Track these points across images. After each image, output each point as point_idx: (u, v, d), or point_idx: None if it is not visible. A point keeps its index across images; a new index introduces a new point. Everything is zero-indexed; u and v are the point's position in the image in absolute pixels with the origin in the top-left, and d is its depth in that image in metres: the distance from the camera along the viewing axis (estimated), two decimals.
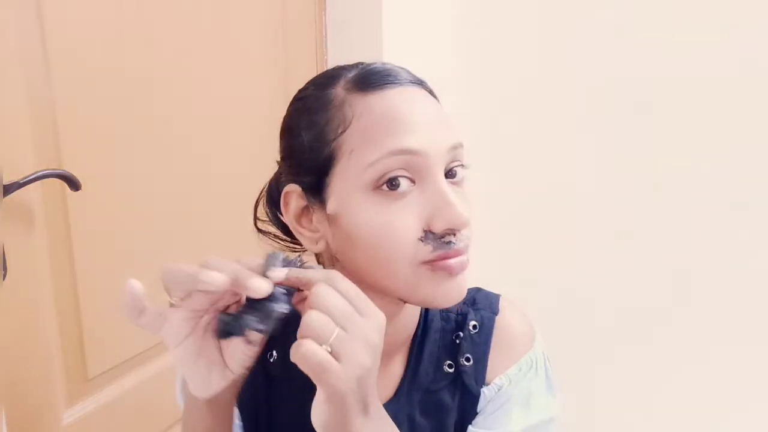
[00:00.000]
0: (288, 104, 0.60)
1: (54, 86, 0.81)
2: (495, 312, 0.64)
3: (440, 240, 0.52)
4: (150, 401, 1.00)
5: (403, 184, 0.52)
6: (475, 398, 0.62)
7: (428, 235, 0.52)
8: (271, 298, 0.47)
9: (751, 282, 1.29)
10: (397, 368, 0.63)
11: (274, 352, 0.64)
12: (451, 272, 0.53)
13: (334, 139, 0.53)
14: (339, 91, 0.55)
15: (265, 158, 0.68)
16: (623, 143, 1.33)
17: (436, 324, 0.64)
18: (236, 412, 0.66)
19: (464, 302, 0.65)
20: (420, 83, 0.57)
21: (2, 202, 0.74)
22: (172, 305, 0.49)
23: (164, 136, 0.98)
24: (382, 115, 0.52)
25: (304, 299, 0.48)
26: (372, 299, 0.50)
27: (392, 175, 0.52)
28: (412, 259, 0.52)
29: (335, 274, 0.48)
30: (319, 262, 0.63)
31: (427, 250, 0.52)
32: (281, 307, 0.47)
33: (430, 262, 0.53)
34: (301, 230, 0.58)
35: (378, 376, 0.51)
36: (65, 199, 0.84)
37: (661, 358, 1.39)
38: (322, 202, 0.55)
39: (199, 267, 0.46)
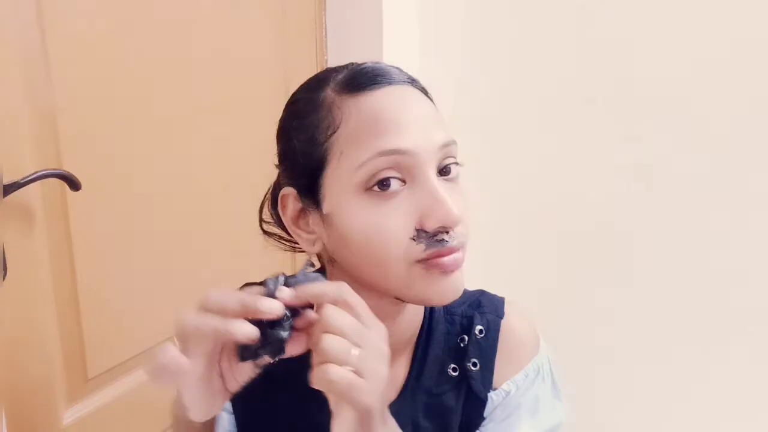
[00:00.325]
0: None
1: (54, 86, 0.81)
2: (500, 316, 0.64)
3: (433, 238, 0.52)
4: (150, 401, 1.00)
5: (394, 184, 0.52)
6: (482, 403, 0.62)
7: (420, 233, 0.52)
8: (275, 323, 0.47)
9: (752, 282, 1.29)
10: (400, 370, 0.63)
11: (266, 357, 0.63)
12: (444, 270, 0.53)
13: (325, 141, 0.53)
14: (328, 93, 0.55)
15: (265, 159, 0.68)
16: (624, 143, 1.33)
17: (441, 326, 0.64)
18: (230, 418, 0.67)
19: (469, 305, 0.65)
20: (411, 81, 0.57)
21: (2, 202, 0.74)
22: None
23: (164, 137, 0.98)
24: (370, 115, 0.52)
25: (308, 324, 0.49)
26: (370, 299, 0.50)
27: (382, 175, 0.52)
28: (405, 259, 0.52)
29: (343, 290, 0.48)
30: (320, 262, 0.63)
31: (419, 249, 0.52)
32: (285, 332, 0.48)
33: (423, 261, 0.53)
34: (299, 232, 0.58)
35: None
36: (65, 199, 0.84)
37: (662, 358, 1.39)
38: (316, 204, 0.55)
39: (218, 318, 0.46)
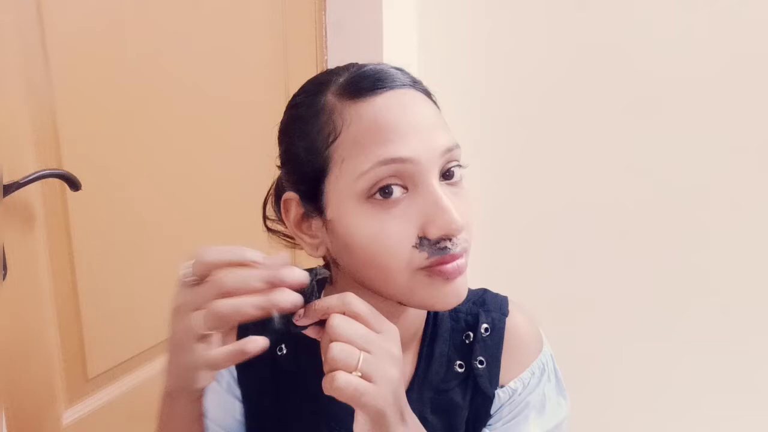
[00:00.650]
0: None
1: (54, 86, 0.81)
2: (505, 314, 0.64)
3: (435, 246, 0.52)
4: (150, 401, 1.00)
5: (396, 191, 0.52)
6: (488, 399, 0.63)
7: (423, 241, 0.52)
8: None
9: (753, 283, 1.29)
10: (407, 367, 0.64)
11: (284, 347, 0.64)
12: (447, 277, 0.53)
13: (326, 149, 0.53)
14: (329, 98, 0.54)
15: (265, 159, 0.68)
16: (625, 144, 1.33)
17: (446, 323, 0.64)
18: (240, 407, 0.67)
19: (473, 303, 0.65)
20: (413, 84, 0.56)
21: (2, 202, 0.74)
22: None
23: (164, 137, 0.98)
24: (371, 123, 0.52)
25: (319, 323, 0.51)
26: (374, 301, 0.51)
27: (384, 183, 0.52)
28: (408, 266, 0.52)
29: (348, 299, 0.49)
30: (325, 263, 0.64)
31: (422, 257, 0.52)
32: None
33: (426, 268, 0.53)
34: (302, 236, 0.58)
35: None
36: (65, 199, 0.84)
37: (664, 360, 1.39)
38: (319, 209, 0.55)
39: (255, 296, 0.47)
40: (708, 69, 1.24)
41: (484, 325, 0.63)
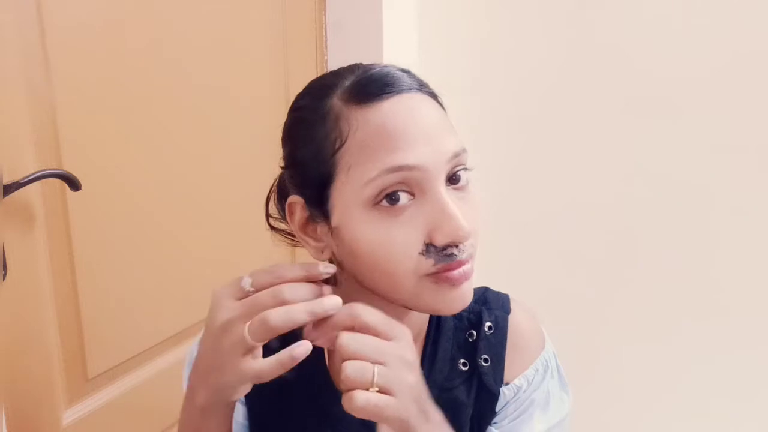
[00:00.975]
0: (288, 106, 0.60)
1: (54, 86, 0.81)
2: (507, 312, 0.64)
3: (442, 253, 0.52)
4: (150, 401, 1.00)
5: (403, 198, 0.52)
6: (493, 397, 0.63)
7: (429, 248, 0.52)
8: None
9: (755, 283, 1.29)
10: None
11: None
12: (453, 283, 0.53)
13: (332, 155, 0.53)
14: (335, 102, 0.54)
15: (265, 159, 0.68)
16: (625, 144, 1.33)
17: (449, 322, 0.64)
18: (243, 410, 0.67)
19: (475, 301, 0.65)
20: (420, 88, 0.55)
21: (2, 202, 0.74)
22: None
23: (164, 136, 0.98)
24: (378, 129, 0.51)
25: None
26: (379, 304, 0.51)
27: (391, 190, 0.51)
28: (414, 273, 0.52)
29: (356, 312, 0.50)
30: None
31: (428, 264, 0.52)
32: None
33: (432, 274, 0.53)
34: (307, 239, 0.58)
35: None
36: (65, 199, 0.84)
37: (664, 360, 1.39)
38: (324, 214, 0.55)
39: (305, 303, 0.50)
40: (708, 69, 1.24)
41: (488, 323, 0.63)
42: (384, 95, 0.52)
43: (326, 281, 0.53)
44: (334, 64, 1.31)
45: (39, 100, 0.79)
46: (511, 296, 0.67)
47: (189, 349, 0.67)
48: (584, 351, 1.38)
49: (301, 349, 0.49)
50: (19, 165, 0.77)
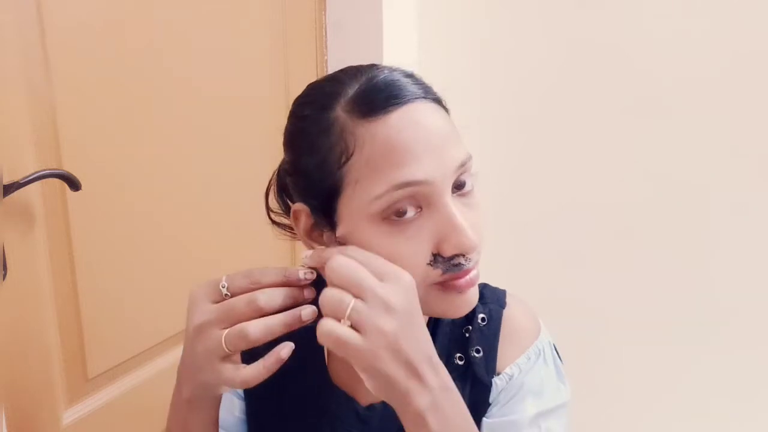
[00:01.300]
0: (288, 106, 0.59)
1: (54, 86, 0.81)
2: (502, 306, 0.65)
3: (449, 262, 0.53)
4: (150, 401, 1.00)
5: (410, 212, 0.52)
6: (486, 388, 0.63)
7: (437, 258, 0.53)
8: None
9: (755, 283, 1.29)
10: None
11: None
12: (461, 291, 0.54)
13: (338, 168, 0.53)
14: (339, 114, 0.53)
15: (265, 159, 0.69)
16: (625, 144, 1.33)
17: (446, 318, 0.64)
18: (240, 404, 0.68)
19: None
20: (425, 95, 0.55)
21: (2, 202, 0.74)
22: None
23: (164, 136, 0.98)
24: (385, 145, 0.51)
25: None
26: None
27: (398, 206, 0.52)
28: (422, 282, 0.53)
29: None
30: None
31: (436, 274, 0.53)
32: None
33: (440, 283, 0.54)
34: (313, 245, 0.58)
35: None
36: (65, 199, 0.84)
37: (664, 361, 1.39)
38: (330, 224, 0.55)
39: (282, 314, 0.51)
40: (708, 69, 1.24)
41: (481, 315, 0.63)
42: (389, 107, 0.52)
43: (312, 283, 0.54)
44: (334, 64, 1.31)
45: (39, 100, 0.79)
46: (508, 291, 0.67)
47: None
48: (584, 351, 1.38)
49: (287, 350, 0.50)
50: (19, 165, 0.77)
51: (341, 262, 0.49)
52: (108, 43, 0.87)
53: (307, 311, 0.51)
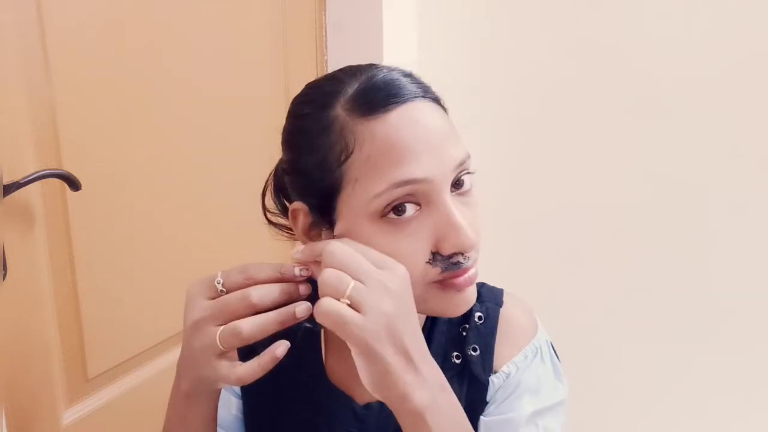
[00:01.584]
0: (287, 107, 0.59)
1: (54, 86, 0.81)
2: (499, 304, 0.65)
3: (448, 261, 0.53)
4: (150, 401, 1.00)
5: (409, 209, 0.52)
6: (483, 387, 0.63)
7: (436, 257, 0.53)
8: None
9: (756, 283, 1.29)
10: None
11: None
12: (459, 289, 0.54)
13: (338, 167, 0.53)
14: (339, 112, 0.53)
15: (265, 159, 0.69)
16: (625, 144, 1.33)
17: (444, 317, 0.64)
18: (237, 402, 0.68)
19: None
20: (423, 94, 0.55)
21: (2, 202, 0.74)
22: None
23: (164, 137, 0.98)
24: (384, 143, 0.51)
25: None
26: None
27: (397, 203, 0.52)
28: (421, 281, 0.53)
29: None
30: None
31: (435, 272, 0.53)
32: None
33: (439, 281, 0.54)
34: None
35: None
36: (65, 199, 0.84)
37: (664, 361, 1.39)
38: (329, 222, 0.56)
39: (276, 312, 0.51)
40: (708, 69, 1.24)
41: (478, 314, 0.63)
42: (389, 106, 0.52)
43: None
44: (334, 64, 1.31)
45: (39, 100, 0.79)
46: (506, 290, 0.67)
47: None
48: (583, 350, 1.38)
49: (282, 348, 0.51)
50: (19, 165, 0.77)
51: (339, 246, 0.49)
52: (108, 43, 0.87)
53: (301, 308, 0.51)
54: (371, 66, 0.57)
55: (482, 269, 0.58)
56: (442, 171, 0.52)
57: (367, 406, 0.63)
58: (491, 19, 1.40)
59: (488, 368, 0.63)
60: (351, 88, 0.54)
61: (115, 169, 0.91)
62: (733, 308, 1.31)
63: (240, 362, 0.51)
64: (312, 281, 0.54)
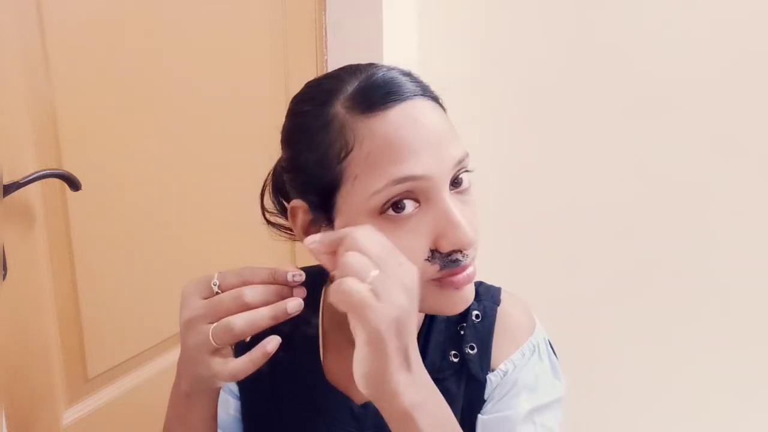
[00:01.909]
0: (287, 107, 0.60)
1: (54, 86, 0.81)
2: (497, 302, 0.65)
3: (447, 258, 0.53)
4: (150, 401, 1.00)
5: (408, 206, 0.53)
6: (481, 385, 0.63)
7: (435, 254, 0.53)
8: None
9: (756, 283, 1.29)
10: None
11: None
12: (458, 287, 0.54)
13: (337, 163, 0.53)
14: (338, 110, 0.54)
15: (265, 159, 0.69)
16: (625, 144, 1.33)
17: (442, 315, 0.65)
18: (234, 403, 0.69)
19: None
20: (423, 93, 0.56)
21: (2, 202, 0.74)
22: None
23: (164, 136, 0.98)
24: (384, 140, 0.52)
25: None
26: None
27: (397, 200, 0.52)
28: (420, 278, 0.52)
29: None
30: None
31: (434, 270, 0.54)
32: None
33: (437, 279, 0.54)
34: None
35: None
36: (65, 199, 0.84)
37: (665, 361, 1.39)
38: (328, 219, 0.56)
39: (267, 308, 0.51)
40: (709, 69, 1.24)
41: (475, 312, 0.64)
42: (388, 104, 0.53)
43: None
44: (334, 64, 1.31)
45: (39, 100, 0.79)
46: (503, 288, 0.67)
47: None
48: (583, 350, 1.38)
49: (273, 343, 0.51)
50: (19, 165, 0.77)
51: (364, 232, 0.48)
52: (108, 43, 0.87)
53: (293, 303, 0.51)
54: (371, 65, 0.57)
55: (481, 268, 0.57)
56: (441, 169, 0.53)
57: (365, 405, 0.63)
58: (491, 18, 1.40)
59: (486, 366, 0.63)
60: (351, 86, 0.55)
61: (115, 169, 0.91)
62: (733, 308, 1.31)
63: (232, 358, 0.52)
64: (312, 277, 0.54)
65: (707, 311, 1.33)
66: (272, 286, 0.52)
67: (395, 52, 1.30)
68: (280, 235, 0.67)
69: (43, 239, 0.82)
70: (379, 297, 0.46)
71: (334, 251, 0.49)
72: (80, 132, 0.85)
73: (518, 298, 0.67)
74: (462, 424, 0.55)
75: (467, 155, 0.55)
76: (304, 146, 0.56)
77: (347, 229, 0.49)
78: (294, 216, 0.59)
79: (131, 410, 0.98)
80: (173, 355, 1.03)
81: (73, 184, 0.81)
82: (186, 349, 0.53)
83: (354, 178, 0.53)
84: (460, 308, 0.56)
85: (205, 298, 0.53)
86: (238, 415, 0.69)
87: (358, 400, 0.64)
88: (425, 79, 0.59)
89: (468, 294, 0.56)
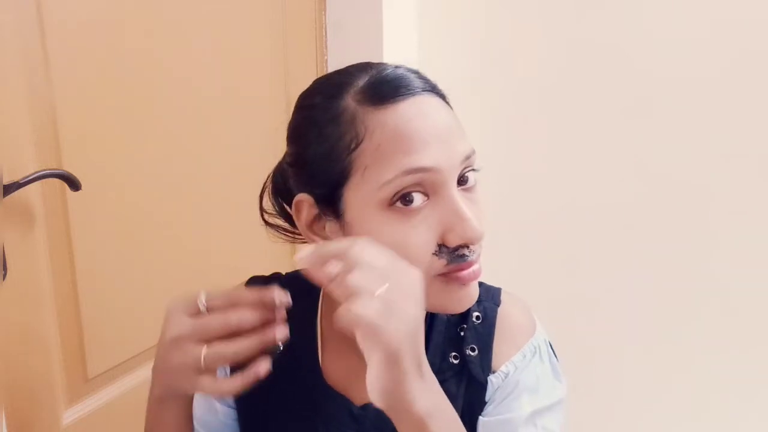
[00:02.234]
0: (288, 106, 0.60)
1: (54, 86, 0.81)
2: (497, 303, 0.65)
3: (454, 253, 0.54)
4: None
5: (417, 199, 0.53)
6: (482, 387, 0.63)
7: (442, 249, 0.54)
8: None
9: (756, 282, 1.29)
10: None
11: (279, 346, 0.64)
12: (463, 283, 0.55)
13: (347, 155, 0.53)
14: (349, 102, 0.54)
15: (265, 159, 0.69)
16: (625, 145, 1.33)
17: (442, 316, 0.65)
18: (229, 412, 0.68)
19: None
20: (431, 89, 0.56)
21: (2, 202, 0.74)
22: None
23: (164, 136, 0.98)
24: (395, 132, 0.52)
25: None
26: None
27: (406, 192, 0.52)
28: (426, 273, 0.53)
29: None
30: None
31: (441, 264, 0.54)
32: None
33: (443, 275, 0.54)
34: (314, 237, 0.58)
35: None
36: (65, 199, 0.84)
37: (665, 361, 1.39)
38: (335, 213, 0.56)
39: (251, 337, 0.51)
40: (709, 69, 1.24)
41: (476, 314, 0.63)
42: (399, 97, 0.53)
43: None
44: (334, 64, 1.31)
45: (39, 100, 0.79)
46: (503, 289, 0.67)
47: None
48: (583, 350, 1.38)
49: (264, 367, 0.51)
50: (19, 165, 0.77)
51: (372, 244, 0.48)
52: (108, 43, 0.87)
53: (281, 333, 0.51)
54: (379, 63, 0.58)
55: (483, 269, 0.57)
56: (450, 163, 0.53)
57: (364, 407, 0.63)
58: (491, 18, 1.39)
59: (487, 368, 0.63)
60: (362, 81, 0.55)
61: (115, 169, 0.91)
62: (733, 308, 1.31)
63: (221, 378, 0.52)
64: (298, 289, 0.54)
65: (707, 311, 1.33)
66: (259, 311, 0.52)
67: (395, 52, 1.30)
68: (278, 237, 0.67)
69: (43, 239, 0.82)
70: (391, 311, 0.46)
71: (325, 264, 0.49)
72: (80, 132, 0.85)
73: (518, 299, 0.67)
74: None
75: (474, 152, 0.56)
76: (313, 138, 0.56)
77: (345, 244, 0.48)
78: (299, 210, 0.58)
79: (131, 410, 0.98)
80: None
81: (73, 184, 0.81)
82: (168, 364, 0.53)
83: (364, 169, 0.53)
84: (465, 306, 0.56)
85: (191, 315, 0.53)
86: (228, 421, 0.69)
87: (357, 402, 0.63)
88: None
89: (473, 291, 0.56)
